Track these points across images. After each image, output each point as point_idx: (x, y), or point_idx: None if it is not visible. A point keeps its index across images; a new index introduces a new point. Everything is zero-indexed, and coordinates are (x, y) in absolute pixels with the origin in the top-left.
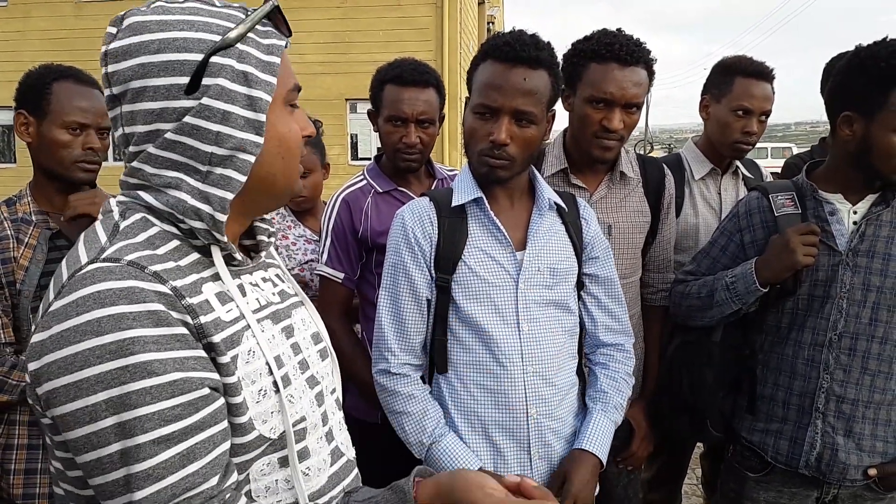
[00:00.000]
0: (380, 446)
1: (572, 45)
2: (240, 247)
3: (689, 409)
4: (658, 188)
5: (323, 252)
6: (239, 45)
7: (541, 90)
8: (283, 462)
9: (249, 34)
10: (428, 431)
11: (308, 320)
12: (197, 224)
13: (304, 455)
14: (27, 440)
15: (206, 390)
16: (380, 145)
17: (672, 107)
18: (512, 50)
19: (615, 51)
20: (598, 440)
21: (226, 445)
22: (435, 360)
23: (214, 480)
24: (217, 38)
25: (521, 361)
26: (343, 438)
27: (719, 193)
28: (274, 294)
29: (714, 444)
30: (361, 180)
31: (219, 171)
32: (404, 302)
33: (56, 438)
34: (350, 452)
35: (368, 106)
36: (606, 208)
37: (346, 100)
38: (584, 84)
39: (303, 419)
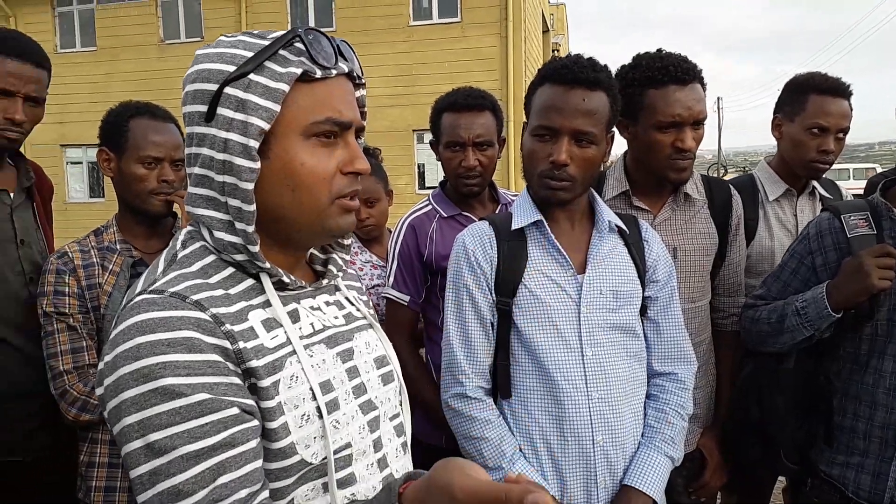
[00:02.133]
0: None
1: (618, 75)
2: (311, 272)
3: (760, 438)
4: (725, 209)
5: (389, 275)
6: (251, 75)
7: (600, 111)
8: (327, 488)
9: (267, 63)
10: (507, 456)
11: (374, 343)
12: (239, 257)
13: (349, 481)
14: (108, 458)
15: (236, 410)
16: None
17: (745, 129)
18: (570, 72)
19: (672, 73)
20: (645, 475)
21: (257, 464)
22: (498, 385)
23: (244, 493)
24: (233, 68)
25: (586, 387)
26: (399, 466)
27: (795, 215)
28: (337, 317)
29: (796, 479)
30: (427, 205)
31: (231, 201)
32: (471, 325)
33: None
34: None
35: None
36: (671, 231)
37: (413, 130)
38: (646, 111)
39: (348, 445)
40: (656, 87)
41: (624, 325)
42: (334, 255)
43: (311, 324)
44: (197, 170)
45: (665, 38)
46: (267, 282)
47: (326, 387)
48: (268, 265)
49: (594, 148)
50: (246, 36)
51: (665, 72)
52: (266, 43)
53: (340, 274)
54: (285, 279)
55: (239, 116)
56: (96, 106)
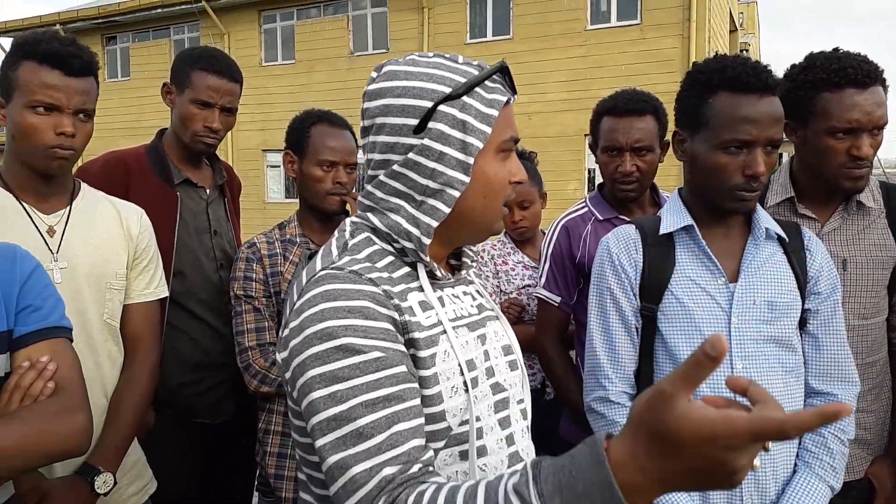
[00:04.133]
0: None
1: (787, 76)
2: (447, 265)
3: None
4: None
5: (542, 276)
6: (465, 98)
7: (783, 116)
8: (463, 455)
9: (476, 88)
10: None
11: (501, 333)
12: (407, 244)
13: (482, 452)
14: (282, 427)
15: (405, 368)
16: None
17: None
18: (758, 80)
19: (850, 75)
20: (803, 502)
21: (422, 420)
22: (641, 392)
23: (416, 442)
24: (447, 89)
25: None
26: (524, 446)
27: None
28: (472, 307)
29: None
30: (583, 208)
31: (430, 201)
32: (614, 329)
33: (296, 422)
34: (530, 460)
35: None
36: (840, 241)
37: (585, 135)
38: (818, 116)
39: (478, 419)
40: (831, 89)
41: (780, 337)
42: (465, 249)
43: (454, 309)
44: (397, 167)
45: (870, 33)
46: (422, 271)
47: (470, 365)
48: (427, 259)
49: (776, 153)
50: (439, 58)
51: (842, 73)
52: (468, 69)
53: (474, 264)
54: (437, 273)
55: (456, 134)
56: (294, 115)
